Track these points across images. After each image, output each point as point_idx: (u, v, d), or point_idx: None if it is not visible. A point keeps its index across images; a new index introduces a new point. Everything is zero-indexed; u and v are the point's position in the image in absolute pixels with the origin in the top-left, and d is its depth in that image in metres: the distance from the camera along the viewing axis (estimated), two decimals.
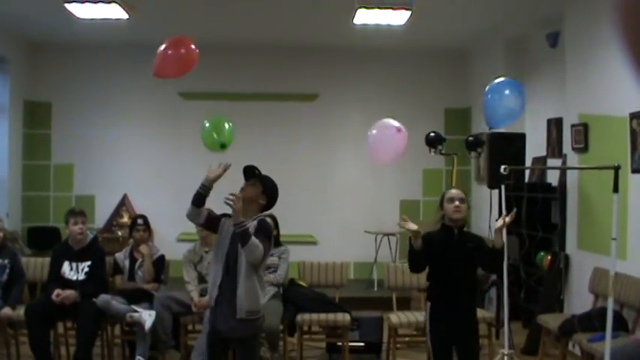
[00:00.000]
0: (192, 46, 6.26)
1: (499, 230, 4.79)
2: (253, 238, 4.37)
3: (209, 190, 4.71)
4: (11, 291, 6.50)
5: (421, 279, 7.12)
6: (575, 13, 7.28)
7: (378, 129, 6.69)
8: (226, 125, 7.32)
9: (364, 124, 11.14)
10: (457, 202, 4.82)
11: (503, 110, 6.68)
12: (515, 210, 4.69)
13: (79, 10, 8.41)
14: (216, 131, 7.19)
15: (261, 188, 4.70)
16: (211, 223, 4.81)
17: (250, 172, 4.75)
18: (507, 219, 4.80)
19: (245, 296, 4.47)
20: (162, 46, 6.19)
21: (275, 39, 10.48)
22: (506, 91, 6.70)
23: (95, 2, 8.13)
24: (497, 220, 5.17)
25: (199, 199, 4.68)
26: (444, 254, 4.73)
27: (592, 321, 5.77)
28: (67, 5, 8.19)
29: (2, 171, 10.07)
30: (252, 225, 4.52)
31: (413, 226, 4.63)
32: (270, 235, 4.59)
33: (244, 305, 4.47)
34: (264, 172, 4.88)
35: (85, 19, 8.71)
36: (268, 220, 4.78)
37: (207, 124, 7.30)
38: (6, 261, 6.55)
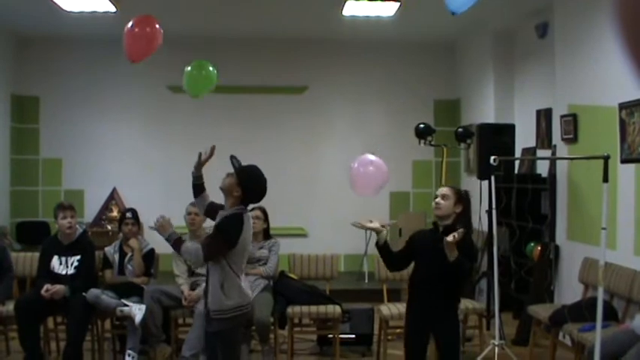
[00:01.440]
0: (157, 25, 6.28)
1: (449, 244, 4.38)
2: (185, 246, 4.51)
3: (199, 177, 4.84)
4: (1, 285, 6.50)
5: (411, 270, 7.16)
6: (564, 4, 7.28)
7: (359, 165, 6.47)
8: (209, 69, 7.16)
9: (354, 116, 11.23)
10: (438, 199, 4.74)
11: None
12: (462, 230, 4.35)
13: (65, 3, 8.37)
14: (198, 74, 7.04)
15: (236, 180, 4.60)
16: (211, 214, 4.87)
17: (231, 163, 4.69)
18: (457, 236, 4.38)
19: (210, 296, 4.54)
20: (128, 27, 6.16)
21: (264, 31, 10.45)
22: None
23: None
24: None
25: (193, 187, 4.83)
26: (421, 252, 4.73)
27: (582, 311, 5.79)
28: None
29: None
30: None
31: (373, 225, 4.73)
32: (223, 229, 4.52)
33: (209, 304, 4.55)
34: (254, 163, 4.83)
35: (72, 11, 8.67)
36: (250, 212, 4.79)
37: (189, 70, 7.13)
38: None
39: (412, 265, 4.96)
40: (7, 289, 6.59)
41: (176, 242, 4.51)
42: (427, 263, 4.67)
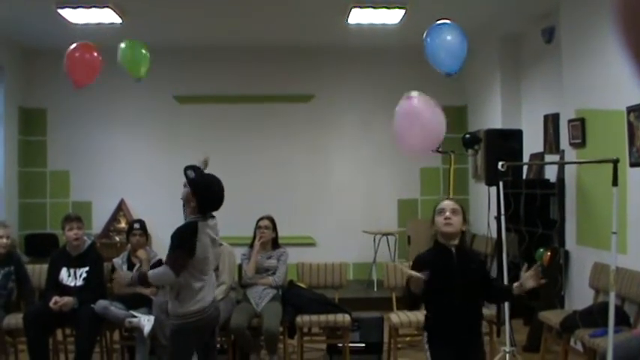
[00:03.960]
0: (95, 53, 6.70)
1: (524, 287, 4.06)
2: (152, 274, 4.75)
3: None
4: (22, 296, 6.66)
5: None
6: (570, 8, 7.26)
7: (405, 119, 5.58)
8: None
9: (360, 123, 11.21)
10: (447, 213, 4.13)
11: (444, 53, 6.28)
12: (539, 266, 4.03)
13: (72, 16, 8.40)
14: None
15: (191, 190, 4.78)
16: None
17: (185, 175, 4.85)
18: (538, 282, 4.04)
19: (170, 301, 4.78)
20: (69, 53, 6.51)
21: (269, 40, 10.46)
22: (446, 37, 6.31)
23: (88, 7, 8.13)
24: (527, 280, 4.13)
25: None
26: (441, 281, 4.04)
27: (594, 316, 5.75)
28: (60, 10, 8.18)
29: None
30: None
31: (417, 275, 4.01)
32: (179, 242, 4.67)
33: (168, 308, 4.82)
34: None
35: (78, 24, 8.70)
36: (209, 221, 4.89)
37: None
38: (12, 268, 6.55)
39: None
40: (30, 296, 6.71)
41: (141, 278, 4.79)
42: (454, 292, 4.07)
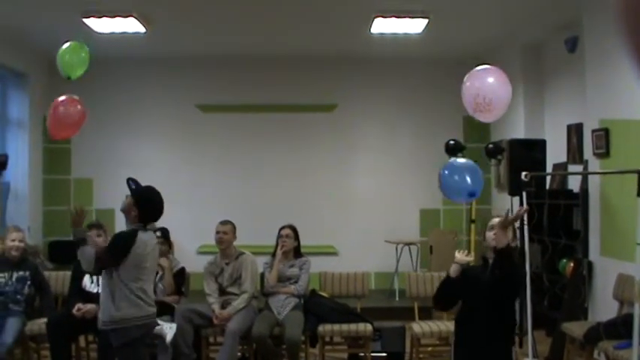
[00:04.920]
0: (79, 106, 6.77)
1: (502, 227, 4.18)
2: (83, 249, 4.83)
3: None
4: (41, 303, 6.71)
5: None
6: (593, 17, 7.22)
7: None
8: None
9: (383, 132, 11.21)
10: (494, 230, 4.32)
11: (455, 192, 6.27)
12: (526, 208, 4.31)
13: (97, 25, 8.47)
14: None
15: (133, 201, 5.01)
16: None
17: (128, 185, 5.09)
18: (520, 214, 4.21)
19: (102, 306, 4.90)
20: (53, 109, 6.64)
21: (292, 50, 10.49)
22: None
23: (113, 17, 8.20)
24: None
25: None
26: (471, 289, 4.33)
27: (618, 328, 5.69)
28: (85, 20, 8.26)
29: (23, 186, 10.13)
30: None
31: (467, 259, 4.44)
32: (112, 245, 4.96)
33: (100, 314, 4.91)
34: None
35: (103, 33, 8.77)
36: (151, 230, 5.18)
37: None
38: (27, 273, 6.60)
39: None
40: (48, 302, 6.78)
41: (78, 240, 4.93)
42: (479, 299, 4.29)
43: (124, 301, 4.76)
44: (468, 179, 5.80)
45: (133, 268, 4.80)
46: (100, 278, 6.44)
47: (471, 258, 4.45)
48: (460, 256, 4.55)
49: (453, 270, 4.43)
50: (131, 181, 5.08)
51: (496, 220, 4.39)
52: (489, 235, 4.35)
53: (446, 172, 5.96)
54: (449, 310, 4.74)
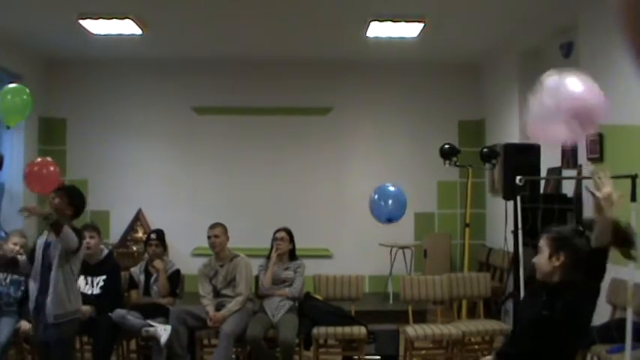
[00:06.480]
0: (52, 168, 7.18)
1: (605, 203, 3.38)
2: (67, 228, 4.80)
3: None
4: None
5: (437, 291, 7.13)
6: (589, 23, 7.25)
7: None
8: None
9: (378, 136, 11.23)
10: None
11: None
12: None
13: (93, 27, 8.48)
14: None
15: (67, 200, 5.04)
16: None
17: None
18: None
19: (55, 300, 4.88)
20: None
21: (288, 53, 10.51)
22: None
23: (109, 18, 8.20)
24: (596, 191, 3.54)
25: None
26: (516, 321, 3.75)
27: (611, 332, 5.72)
28: (81, 22, 8.26)
29: (18, 187, 10.11)
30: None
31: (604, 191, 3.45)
32: (75, 231, 5.00)
33: (51, 308, 4.87)
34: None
35: (99, 35, 8.78)
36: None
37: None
38: (22, 278, 6.59)
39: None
40: None
41: (57, 222, 4.80)
42: (516, 336, 3.89)
43: (73, 294, 4.94)
44: (391, 206, 7.37)
45: (79, 261, 5.03)
46: (95, 279, 6.48)
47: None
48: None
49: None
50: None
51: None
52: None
53: (375, 196, 7.56)
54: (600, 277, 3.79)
